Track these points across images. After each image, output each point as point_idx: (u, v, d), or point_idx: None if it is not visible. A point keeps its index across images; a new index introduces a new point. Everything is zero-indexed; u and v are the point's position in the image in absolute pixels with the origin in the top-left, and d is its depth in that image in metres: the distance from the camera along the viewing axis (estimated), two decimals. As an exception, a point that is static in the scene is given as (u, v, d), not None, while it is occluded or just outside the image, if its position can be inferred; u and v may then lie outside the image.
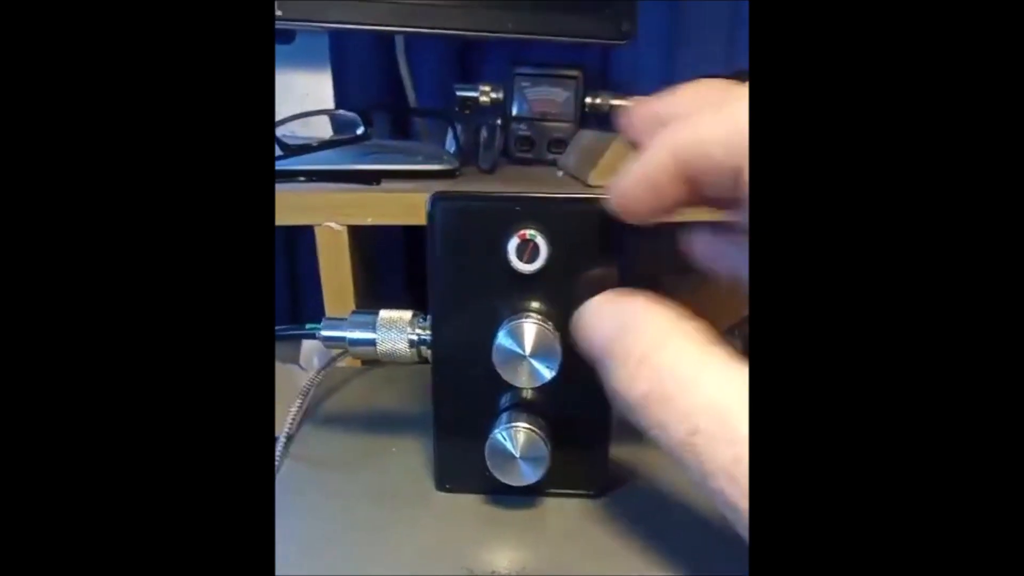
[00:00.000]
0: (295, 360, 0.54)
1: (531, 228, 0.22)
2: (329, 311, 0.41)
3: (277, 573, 0.22)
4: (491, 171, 0.53)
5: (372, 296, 0.47)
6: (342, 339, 0.26)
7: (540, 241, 0.22)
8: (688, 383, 0.16)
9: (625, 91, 0.64)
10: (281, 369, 0.53)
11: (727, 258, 0.22)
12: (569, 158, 0.57)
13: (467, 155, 0.55)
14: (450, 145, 0.62)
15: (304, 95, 0.57)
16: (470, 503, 0.26)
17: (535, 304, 0.23)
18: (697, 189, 0.18)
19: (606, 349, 0.18)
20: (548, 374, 0.22)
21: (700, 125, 0.17)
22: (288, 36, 0.56)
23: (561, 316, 0.23)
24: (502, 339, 0.22)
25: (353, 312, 0.27)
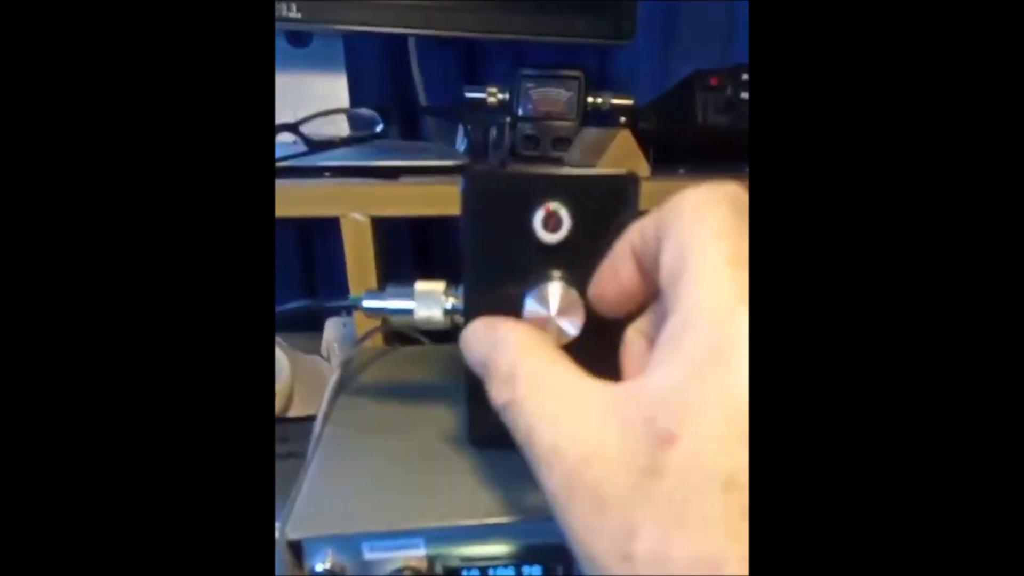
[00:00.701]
0: (317, 351, 0.57)
1: (555, 201, 0.25)
2: (354, 295, 0.44)
3: (315, 521, 0.24)
4: (500, 167, 0.56)
5: (387, 281, 0.49)
6: (382, 309, 0.29)
7: (563, 213, 0.25)
8: (535, 389, 0.20)
9: (624, 89, 0.66)
10: (304, 359, 0.55)
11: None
12: (574, 154, 0.59)
13: (476, 153, 0.58)
14: (460, 143, 0.64)
15: (321, 96, 0.59)
16: (498, 456, 0.28)
17: (559, 271, 0.26)
18: (648, 277, 0.21)
19: (482, 365, 0.22)
20: (573, 332, 0.25)
21: (646, 216, 0.21)
22: (305, 40, 0.58)
23: (583, 281, 0.25)
24: (530, 303, 0.25)
25: (390, 285, 0.29)
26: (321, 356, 0.57)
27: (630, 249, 0.21)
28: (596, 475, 0.16)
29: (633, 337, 0.23)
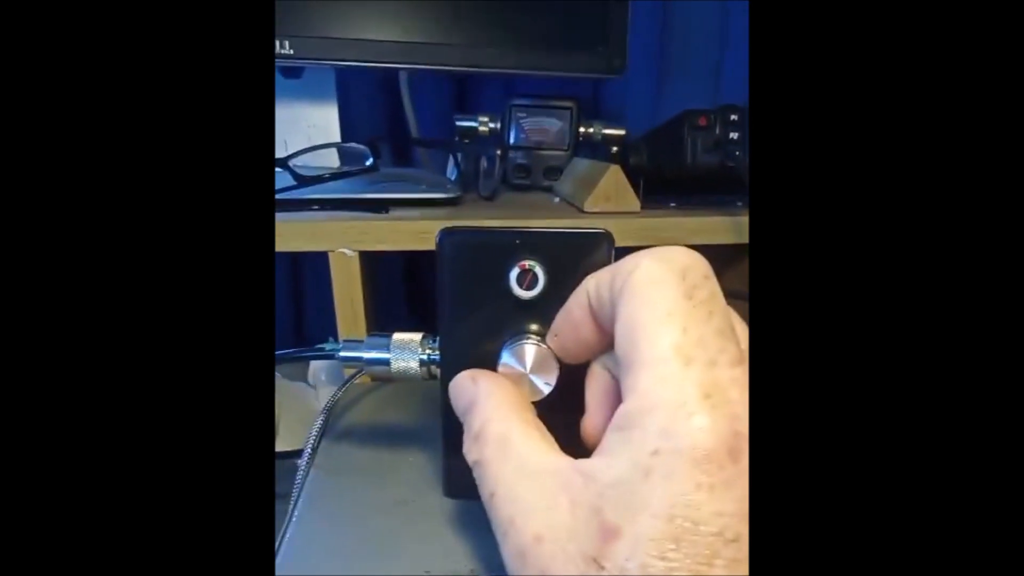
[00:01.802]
0: (303, 378, 0.57)
1: (530, 259, 0.25)
2: (342, 330, 0.44)
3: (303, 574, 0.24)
4: (491, 198, 0.56)
5: (377, 315, 0.50)
6: (359, 359, 0.29)
7: (538, 270, 0.25)
8: (498, 455, 0.21)
9: (616, 117, 0.67)
10: (291, 387, 0.55)
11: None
12: (565, 185, 0.60)
13: (467, 182, 0.59)
14: (451, 173, 0.65)
15: (311, 127, 0.60)
16: (476, 508, 0.28)
17: (534, 326, 0.26)
18: (604, 331, 0.21)
19: (462, 417, 0.23)
20: (546, 389, 0.25)
21: (602, 271, 0.21)
22: (296, 72, 0.59)
23: (555, 337, 0.25)
24: (506, 358, 0.25)
25: (369, 335, 0.29)
26: (308, 383, 0.57)
27: (587, 306, 0.22)
28: (546, 555, 0.17)
29: (597, 371, 0.23)
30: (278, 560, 0.25)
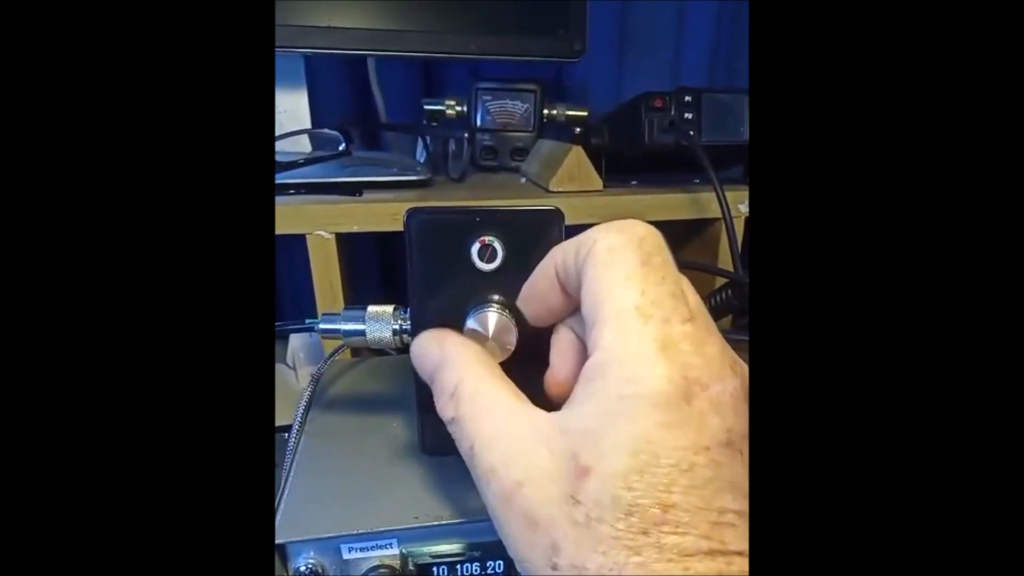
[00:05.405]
0: (283, 360, 0.59)
1: (489, 235, 0.28)
2: (321, 309, 0.46)
3: (298, 526, 0.27)
4: (460, 179, 0.58)
5: (354, 293, 0.52)
6: (337, 331, 0.31)
7: (497, 245, 0.28)
8: (475, 410, 0.22)
9: (578, 101, 0.69)
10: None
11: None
12: (531, 165, 0.62)
13: (437, 164, 0.61)
14: (420, 155, 0.67)
15: (283, 113, 0.61)
16: (451, 463, 0.31)
17: (495, 295, 0.28)
18: (571, 297, 0.23)
19: (431, 378, 0.25)
20: (508, 350, 0.28)
21: (566, 243, 0.23)
22: (267, 59, 0.60)
23: (516, 305, 0.28)
24: (470, 324, 0.28)
25: (345, 308, 0.32)
26: (287, 365, 0.59)
27: (554, 274, 0.24)
28: (528, 499, 0.19)
29: (563, 332, 0.25)
30: (278, 516, 0.28)
